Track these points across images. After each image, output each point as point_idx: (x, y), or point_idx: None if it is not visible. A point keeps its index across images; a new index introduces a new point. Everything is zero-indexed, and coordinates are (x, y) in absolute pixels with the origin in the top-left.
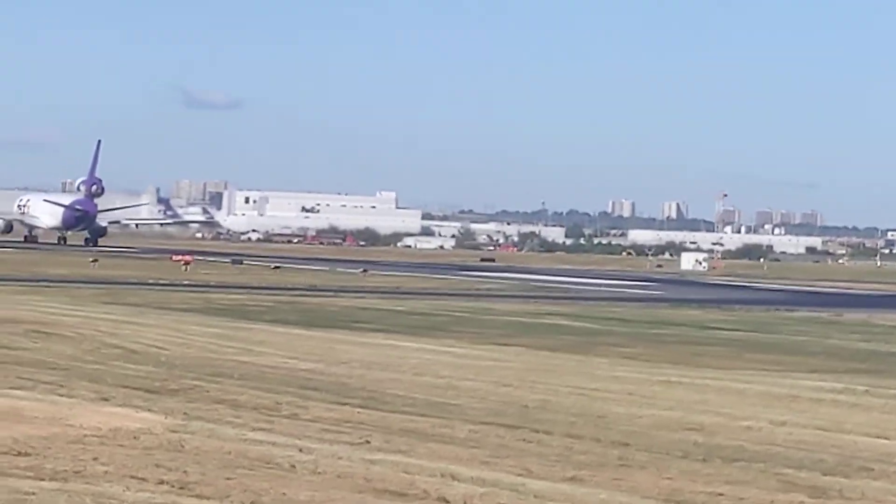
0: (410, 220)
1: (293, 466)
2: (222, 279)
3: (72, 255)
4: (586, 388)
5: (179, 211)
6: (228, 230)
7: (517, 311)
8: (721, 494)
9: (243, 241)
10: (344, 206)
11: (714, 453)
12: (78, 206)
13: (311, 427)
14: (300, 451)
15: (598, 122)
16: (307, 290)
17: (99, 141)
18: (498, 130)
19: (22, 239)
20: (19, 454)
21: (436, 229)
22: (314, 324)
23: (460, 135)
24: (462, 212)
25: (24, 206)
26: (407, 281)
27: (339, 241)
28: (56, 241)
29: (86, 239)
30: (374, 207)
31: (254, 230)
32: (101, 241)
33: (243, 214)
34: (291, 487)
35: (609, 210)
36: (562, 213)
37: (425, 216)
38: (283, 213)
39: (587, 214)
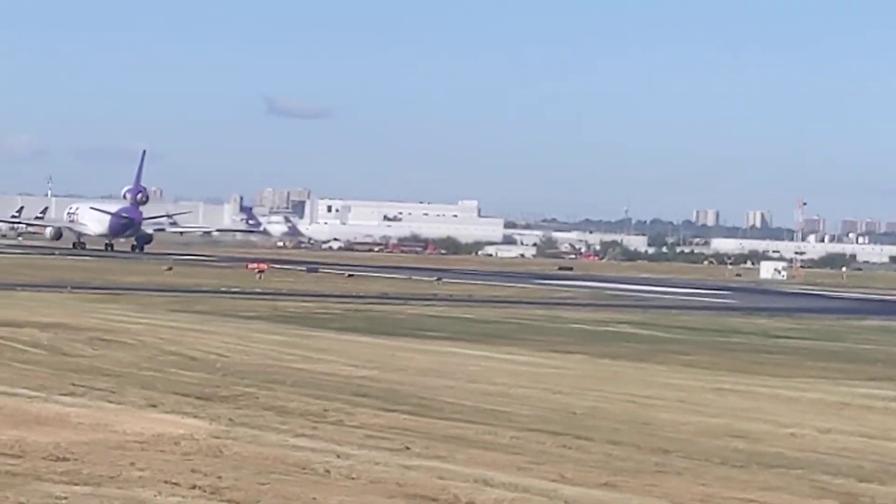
0: (492, 229)
1: (328, 472)
2: (295, 287)
3: (147, 264)
4: (638, 396)
5: (262, 220)
6: (310, 239)
7: (585, 320)
8: (753, 500)
9: (324, 249)
10: (426, 214)
11: (753, 460)
12: (124, 214)
13: (354, 433)
14: (338, 456)
15: (683, 129)
16: (378, 298)
17: (144, 151)
18: (582, 138)
19: (71, 245)
20: (58, 459)
21: (518, 238)
22: (379, 331)
23: (544, 143)
24: (545, 220)
25: (73, 213)
26: (480, 289)
27: (419, 249)
28: (103, 248)
29: (132, 245)
30: (455, 216)
31: (335, 239)
32: (179, 250)
33: (325, 223)
34: (323, 492)
35: (693, 219)
36: (645, 222)
37: (508, 224)
38: (365, 221)
39: (671, 223)
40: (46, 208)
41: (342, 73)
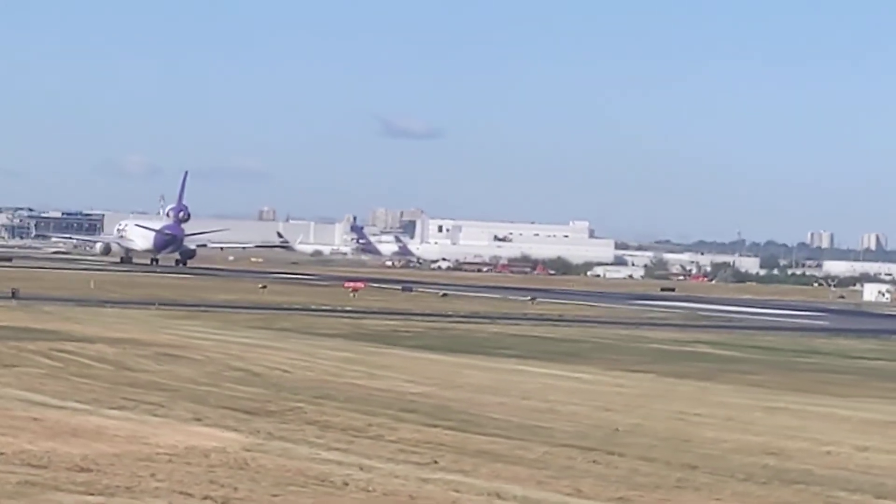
0: (603, 250)
1: (346, 484)
2: (386, 305)
3: (243, 282)
4: (688, 413)
5: (372, 239)
6: (419, 258)
7: (666, 339)
8: None
9: (433, 269)
10: (536, 235)
11: (779, 476)
12: (167, 231)
13: (388, 447)
14: (361, 469)
15: (798, 151)
16: (467, 316)
17: (186, 172)
18: (698, 160)
19: (118, 259)
20: (81, 470)
21: (629, 259)
22: (454, 349)
23: (659, 164)
24: (658, 242)
25: (122, 230)
26: (572, 309)
27: (528, 269)
28: (149, 262)
29: (176, 260)
30: (566, 237)
31: (444, 259)
32: (293, 268)
33: (436, 243)
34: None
35: (807, 241)
36: (759, 244)
37: (619, 245)
38: (475, 241)
39: (785, 245)
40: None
41: (455, 94)
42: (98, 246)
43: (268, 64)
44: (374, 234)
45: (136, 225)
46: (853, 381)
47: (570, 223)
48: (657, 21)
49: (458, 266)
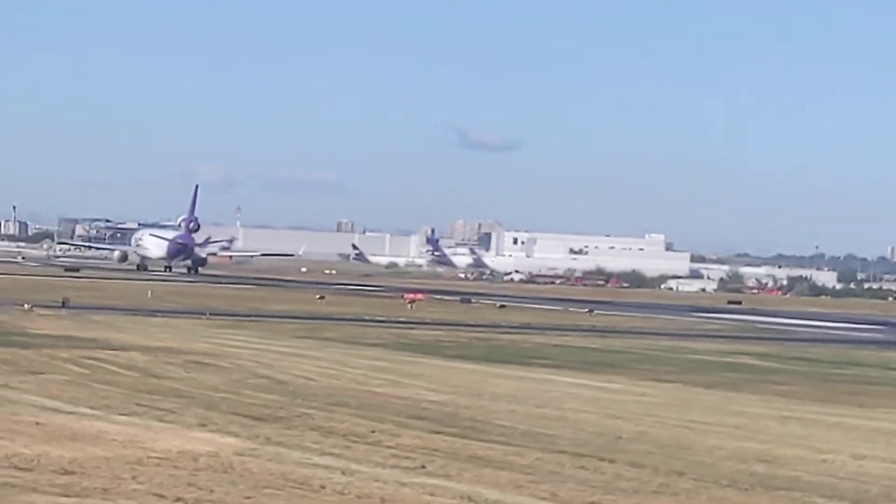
0: (679, 263)
1: (323, 487)
2: (440, 316)
3: (302, 293)
4: (698, 422)
5: (447, 251)
6: (491, 271)
7: (710, 351)
8: None
9: (505, 281)
10: (612, 248)
11: (763, 483)
12: (179, 240)
13: (382, 453)
14: (343, 473)
15: (879, 164)
16: (518, 327)
17: (196, 186)
18: (775, 173)
19: (135, 267)
20: (66, 473)
21: (704, 272)
22: (492, 359)
23: (738, 178)
24: (738, 255)
25: (139, 239)
26: (628, 321)
27: (601, 282)
28: (163, 269)
29: (188, 268)
30: (641, 249)
31: (517, 271)
32: (364, 280)
33: (510, 255)
34: None
35: (888, 255)
36: (839, 258)
37: (695, 259)
38: (550, 254)
39: (864, 259)
40: (233, 238)
41: (533, 106)
42: (116, 254)
43: (346, 77)
44: (450, 247)
45: (151, 235)
46: (885, 392)
47: (646, 236)
48: (733, 35)
49: (531, 278)
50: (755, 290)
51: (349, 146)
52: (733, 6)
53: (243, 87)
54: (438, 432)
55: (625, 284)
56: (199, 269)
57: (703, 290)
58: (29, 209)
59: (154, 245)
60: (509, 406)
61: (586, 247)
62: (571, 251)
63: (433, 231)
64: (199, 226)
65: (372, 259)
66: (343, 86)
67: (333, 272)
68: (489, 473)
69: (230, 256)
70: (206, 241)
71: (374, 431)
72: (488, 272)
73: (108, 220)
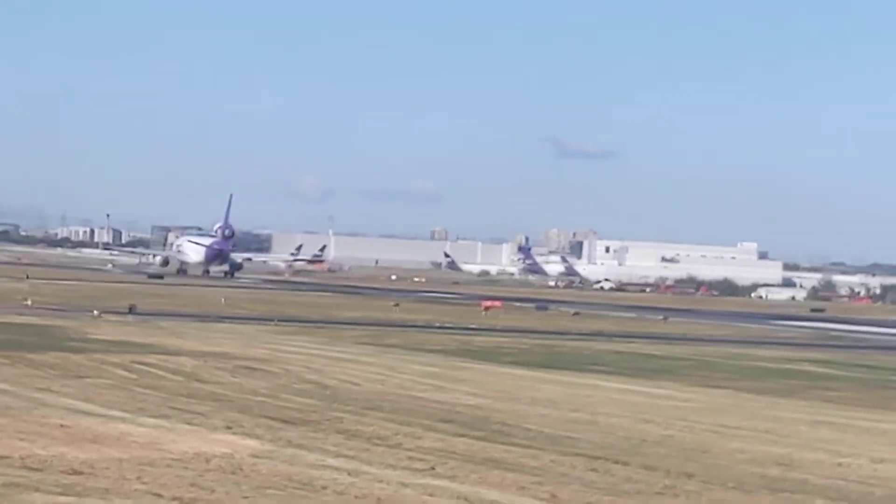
0: (771, 271)
1: (324, 488)
2: (511, 324)
3: (378, 300)
4: (729, 426)
5: (539, 260)
6: (581, 279)
7: (774, 357)
8: None
9: (595, 289)
10: (704, 256)
11: (771, 485)
12: (216, 246)
13: (399, 455)
14: (349, 474)
15: None
16: (585, 334)
17: (231, 195)
18: (872, 182)
19: (175, 271)
20: (73, 473)
21: (797, 280)
22: (547, 365)
23: (834, 187)
24: (833, 264)
25: (179, 246)
26: (702, 328)
27: (691, 290)
28: (201, 274)
29: (224, 272)
30: (734, 258)
31: (606, 279)
32: (452, 287)
33: (602, 263)
34: None
35: None
36: None
37: (789, 267)
38: (642, 262)
39: None
40: (325, 246)
41: (629, 115)
42: (158, 259)
43: (444, 88)
44: (542, 255)
45: (189, 241)
46: None
47: (739, 245)
48: (827, 45)
49: (621, 287)
50: (846, 299)
51: (446, 156)
52: (831, 18)
53: (340, 99)
54: (463, 435)
55: (714, 293)
56: (236, 273)
57: (793, 298)
58: (125, 217)
59: (193, 251)
60: (544, 410)
61: (678, 255)
62: (663, 259)
63: (527, 239)
64: (233, 232)
65: (464, 267)
66: (441, 96)
67: (423, 280)
68: (497, 475)
69: (264, 261)
70: (299, 249)
71: (398, 434)
72: (578, 280)
73: (199, 229)
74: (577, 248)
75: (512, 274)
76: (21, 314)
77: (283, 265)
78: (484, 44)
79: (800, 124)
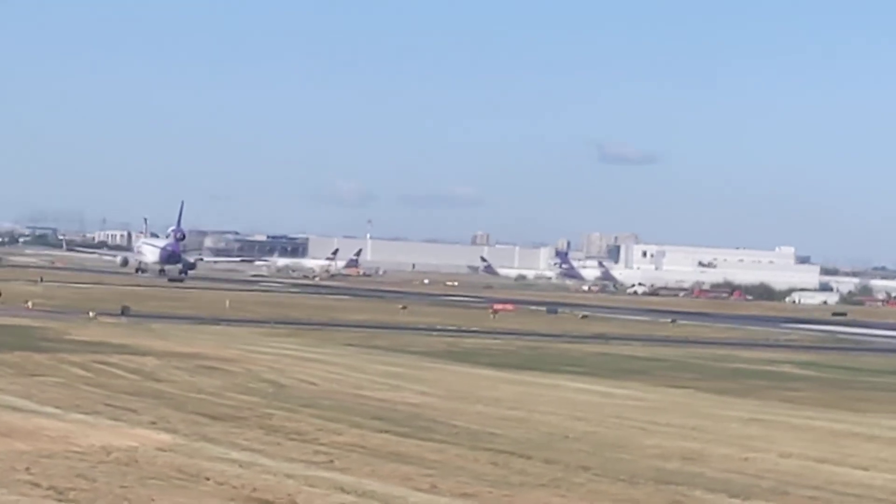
0: (808, 276)
1: (207, 479)
2: (515, 326)
3: (386, 302)
4: (660, 424)
5: (576, 264)
6: (614, 283)
7: (755, 359)
8: None
9: (628, 294)
10: (741, 260)
11: (661, 478)
12: (168, 248)
13: (305, 449)
14: (240, 466)
15: None
16: (583, 337)
17: (182, 202)
18: None
19: (134, 270)
20: None
21: (834, 285)
22: (521, 366)
23: (874, 190)
24: (875, 268)
25: (138, 247)
26: (707, 331)
27: (724, 295)
28: (158, 272)
29: (179, 271)
30: (771, 262)
31: (640, 283)
32: (483, 292)
33: (638, 268)
34: (168, 495)
35: None
36: None
37: (827, 271)
38: (679, 267)
39: None
40: (360, 250)
41: (670, 119)
42: (118, 259)
43: (485, 92)
44: (579, 259)
45: (145, 244)
46: (887, 399)
47: (776, 249)
48: (864, 46)
49: (654, 291)
50: (880, 303)
51: (488, 161)
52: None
53: (381, 103)
54: (385, 431)
55: (748, 297)
56: (189, 272)
57: (825, 302)
58: (164, 222)
59: (149, 252)
60: (483, 408)
61: (715, 260)
62: (700, 264)
63: (568, 244)
64: (184, 235)
65: (501, 271)
66: (482, 101)
67: (455, 284)
68: (391, 468)
69: (215, 261)
70: (334, 253)
71: (320, 430)
72: (612, 285)
73: (236, 233)
74: (614, 253)
75: (549, 278)
76: (15, 316)
77: (316, 269)
78: (526, 47)
79: (844, 127)
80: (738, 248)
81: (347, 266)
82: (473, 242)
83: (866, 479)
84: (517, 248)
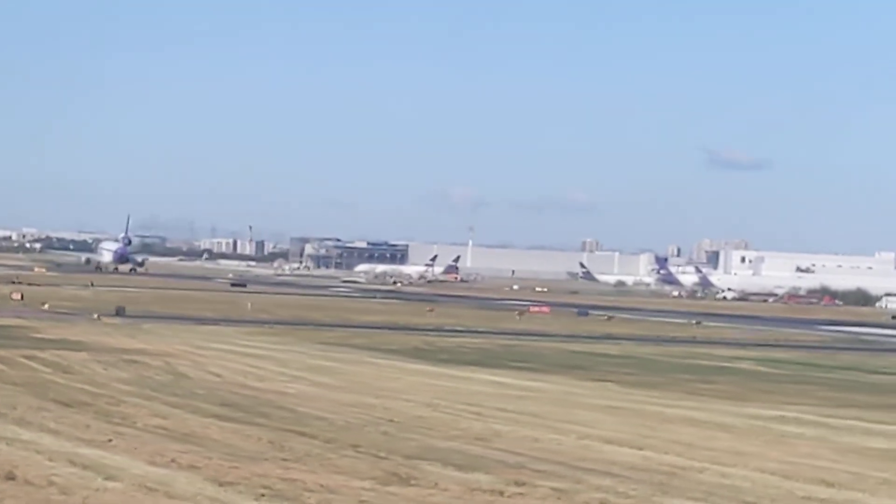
0: None
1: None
2: (530, 327)
3: (416, 305)
4: (514, 411)
5: (675, 270)
6: (705, 289)
7: (720, 356)
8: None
9: (718, 299)
10: (839, 266)
11: (415, 454)
12: (119, 251)
13: (104, 430)
14: (7, 444)
15: None
16: (587, 337)
17: (128, 216)
18: None
19: (94, 268)
20: None
21: None
22: (474, 363)
23: None
24: None
25: (99, 250)
26: (721, 332)
27: (814, 301)
28: (112, 271)
29: (130, 269)
30: (870, 268)
31: (729, 289)
32: (569, 298)
33: (736, 274)
34: None
35: None
36: None
37: None
38: (777, 272)
39: None
40: (459, 257)
41: (782, 125)
42: (83, 258)
43: (595, 98)
44: (678, 266)
45: (102, 247)
46: (799, 391)
47: (876, 254)
48: None
49: (744, 296)
50: None
51: (599, 167)
52: None
53: (492, 109)
54: (216, 416)
55: (838, 302)
56: (138, 269)
57: None
58: (272, 229)
59: (106, 253)
60: (354, 397)
61: (813, 265)
62: (798, 269)
63: (679, 250)
64: (130, 241)
65: (601, 278)
66: (595, 107)
67: (544, 290)
68: (166, 446)
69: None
70: (433, 260)
71: (155, 416)
72: (700, 290)
73: (338, 240)
74: (713, 259)
75: (648, 284)
76: (4, 316)
77: (414, 275)
78: (637, 54)
79: None
80: (837, 254)
81: (446, 272)
82: (583, 249)
83: (613, 454)
84: (617, 254)
